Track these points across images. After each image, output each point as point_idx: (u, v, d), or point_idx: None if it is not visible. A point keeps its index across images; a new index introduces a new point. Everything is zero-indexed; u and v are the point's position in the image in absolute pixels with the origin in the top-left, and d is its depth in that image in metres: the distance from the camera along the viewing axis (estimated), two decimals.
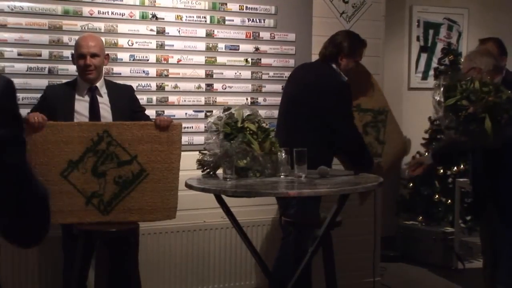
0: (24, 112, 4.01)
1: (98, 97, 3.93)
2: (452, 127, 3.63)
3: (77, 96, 3.90)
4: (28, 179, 1.45)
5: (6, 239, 1.48)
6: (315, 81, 4.21)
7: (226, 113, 3.77)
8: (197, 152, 3.83)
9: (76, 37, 4.16)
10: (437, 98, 3.59)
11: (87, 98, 3.91)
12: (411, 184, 6.26)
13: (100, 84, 3.95)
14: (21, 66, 4.13)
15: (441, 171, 6.07)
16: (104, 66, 4.10)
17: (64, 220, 3.71)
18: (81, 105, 3.89)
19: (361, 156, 4.19)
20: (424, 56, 6.66)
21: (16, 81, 3.98)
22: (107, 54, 4.06)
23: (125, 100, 4.02)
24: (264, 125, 3.79)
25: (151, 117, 4.10)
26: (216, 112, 3.84)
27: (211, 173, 3.77)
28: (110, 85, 4.01)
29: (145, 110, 4.15)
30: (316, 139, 4.01)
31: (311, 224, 4.01)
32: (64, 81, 4.11)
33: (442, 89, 3.57)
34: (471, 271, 5.63)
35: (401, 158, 4.51)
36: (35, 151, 3.62)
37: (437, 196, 6.10)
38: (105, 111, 3.93)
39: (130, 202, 3.80)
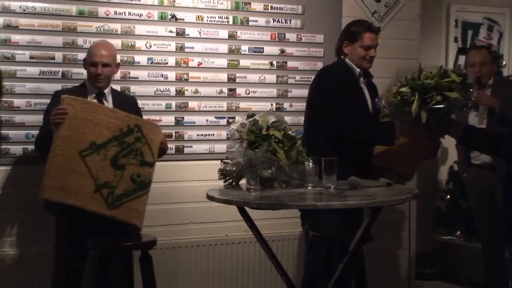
0: (36, 118, 4.06)
1: (105, 103, 3.99)
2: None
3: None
4: None
5: None
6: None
7: (250, 119, 3.76)
8: (219, 161, 3.82)
9: (91, 39, 4.25)
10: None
11: (95, 102, 3.95)
12: (449, 196, 6.20)
13: (107, 92, 4.03)
14: (33, 70, 4.17)
15: None
16: (120, 70, 4.24)
17: (67, 200, 3.66)
18: None
19: (365, 136, 4.10)
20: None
21: (28, 85, 4.09)
22: (118, 63, 4.11)
23: (129, 110, 4.02)
24: (290, 132, 3.77)
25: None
26: (239, 119, 3.84)
27: (234, 183, 3.76)
28: (115, 95, 4.08)
29: None
30: (322, 142, 4.01)
31: (339, 239, 3.98)
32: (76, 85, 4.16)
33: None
34: None
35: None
36: (62, 125, 3.66)
37: None
38: None
39: (139, 204, 3.84)
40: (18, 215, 4.19)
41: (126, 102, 4.11)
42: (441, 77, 3.52)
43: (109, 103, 4.01)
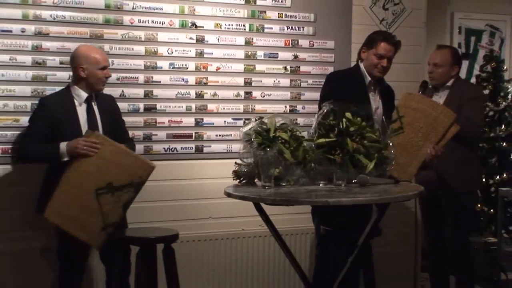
0: None
1: (93, 104, 3.96)
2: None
3: (76, 105, 3.92)
4: None
5: None
6: None
7: (258, 122, 3.76)
8: (236, 160, 3.81)
9: (117, 46, 4.29)
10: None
11: (83, 106, 3.92)
12: None
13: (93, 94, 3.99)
14: (63, 75, 4.17)
15: (483, 180, 5.97)
16: (143, 74, 4.34)
17: (75, 232, 3.65)
18: (81, 114, 3.91)
19: None
20: (465, 64, 6.57)
21: (58, 89, 4.08)
22: None
23: (110, 109, 4.06)
24: (297, 133, 3.75)
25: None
26: (249, 122, 3.85)
27: (249, 182, 3.75)
28: (97, 95, 4.01)
29: (124, 122, 4.18)
30: None
31: (347, 234, 3.96)
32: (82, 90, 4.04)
33: None
34: None
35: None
36: (86, 159, 3.67)
37: (479, 205, 6.00)
38: (98, 120, 3.96)
39: None
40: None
41: (107, 100, 4.07)
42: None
43: (95, 103, 3.96)
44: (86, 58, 3.88)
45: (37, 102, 4.03)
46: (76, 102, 3.90)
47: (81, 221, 3.64)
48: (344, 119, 3.67)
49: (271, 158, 3.52)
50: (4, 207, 4.10)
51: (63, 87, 4.00)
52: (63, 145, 3.71)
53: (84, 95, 3.91)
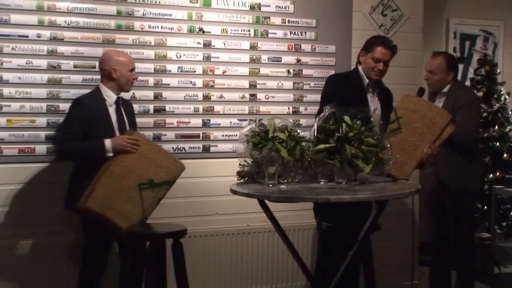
0: None
1: (121, 107, 4.04)
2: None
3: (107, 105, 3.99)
4: None
5: None
6: None
7: (258, 124, 3.79)
8: (240, 162, 3.84)
9: (128, 50, 4.31)
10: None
11: (113, 107, 3.99)
12: None
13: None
14: (76, 78, 4.23)
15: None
16: (153, 77, 4.40)
17: (117, 221, 3.74)
18: (112, 115, 3.97)
19: None
20: (460, 67, 6.58)
21: (72, 91, 4.14)
22: None
23: (131, 112, 4.17)
24: (295, 134, 3.77)
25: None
26: (249, 124, 3.89)
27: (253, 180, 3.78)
28: (121, 99, 4.10)
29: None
30: None
31: (348, 230, 3.99)
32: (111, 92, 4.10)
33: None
34: (507, 276, 5.58)
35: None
36: (128, 155, 3.77)
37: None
38: (125, 121, 4.04)
39: None
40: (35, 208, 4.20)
41: (128, 104, 4.16)
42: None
43: (121, 106, 4.05)
44: (117, 60, 3.97)
45: (52, 103, 4.16)
46: (107, 103, 3.97)
47: (124, 212, 3.75)
48: (344, 124, 3.71)
49: (267, 156, 3.56)
50: (29, 204, 4.16)
51: (74, 89, 4.05)
52: (108, 142, 3.79)
53: (114, 96, 3.99)
